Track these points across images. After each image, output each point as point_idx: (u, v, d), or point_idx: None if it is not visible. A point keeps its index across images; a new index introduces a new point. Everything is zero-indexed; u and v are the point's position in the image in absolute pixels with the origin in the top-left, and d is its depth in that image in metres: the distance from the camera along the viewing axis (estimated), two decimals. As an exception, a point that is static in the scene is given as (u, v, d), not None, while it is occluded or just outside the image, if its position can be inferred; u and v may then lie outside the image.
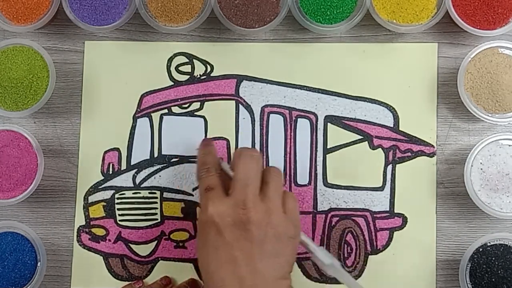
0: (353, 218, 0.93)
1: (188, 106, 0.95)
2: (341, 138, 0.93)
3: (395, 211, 0.93)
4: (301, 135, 0.94)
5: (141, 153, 0.94)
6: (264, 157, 0.93)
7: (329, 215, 0.93)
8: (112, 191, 0.94)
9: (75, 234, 0.94)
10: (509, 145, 0.89)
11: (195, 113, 0.94)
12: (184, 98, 0.95)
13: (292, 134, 0.94)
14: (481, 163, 0.89)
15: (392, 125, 0.93)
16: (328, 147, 0.93)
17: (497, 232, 0.91)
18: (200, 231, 0.78)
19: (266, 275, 0.75)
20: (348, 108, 0.94)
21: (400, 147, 0.93)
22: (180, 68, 0.95)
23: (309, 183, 0.93)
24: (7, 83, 0.92)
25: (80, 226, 0.94)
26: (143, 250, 0.94)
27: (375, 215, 0.93)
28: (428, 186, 0.92)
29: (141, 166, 0.94)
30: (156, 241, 0.93)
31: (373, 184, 0.93)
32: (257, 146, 0.93)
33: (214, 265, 0.75)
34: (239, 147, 0.94)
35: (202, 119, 0.94)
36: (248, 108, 0.94)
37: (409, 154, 0.93)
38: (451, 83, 0.93)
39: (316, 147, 0.94)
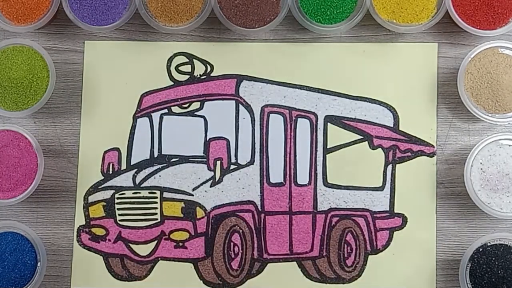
0: (353, 218, 0.93)
1: (188, 106, 0.95)
2: (341, 138, 0.93)
3: (395, 211, 0.93)
4: (301, 135, 0.94)
5: (141, 153, 0.94)
6: (264, 156, 0.93)
7: (329, 215, 0.93)
8: (112, 191, 0.94)
9: (75, 234, 0.94)
10: (509, 145, 0.89)
11: (195, 113, 0.94)
12: (184, 98, 0.95)
13: (292, 134, 0.94)
14: (481, 163, 0.89)
15: (392, 125, 0.93)
16: (328, 147, 0.93)
17: (497, 232, 0.91)
18: None
19: None
20: (348, 108, 0.94)
21: (400, 147, 0.93)
22: (180, 68, 0.95)
23: (309, 183, 0.93)
24: (7, 83, 0.91)
25: (80, 226, 0.94)
26: (143, 250, 0.94)
27: (375, 215, 0.93)
28: (428, 186, 0.92)
29: (141, 166, 0.94)
30: (156, 241, 0.93)
31: (373, 184, 0.93)
32: (257, 146, 0.93)
33: None
34: (239, 147, 0.94)
35: (202, 119, 0.94)
36: (248, 108, 0.94)
37: (409, 154, 0.93)
38: (451, 83, 0.93)
39: (316, 147, 0.93)
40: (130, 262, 0.93)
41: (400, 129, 0.93)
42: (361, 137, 0.93)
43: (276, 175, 0.93)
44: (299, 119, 0.94)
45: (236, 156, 0.93)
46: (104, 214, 0.94)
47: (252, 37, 0.95)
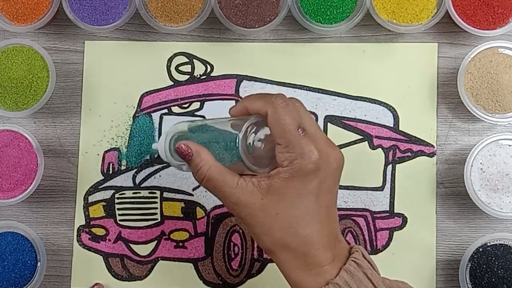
0: (353, 218, 0.93)
1: (188, 106, 0.95)
2: (341, 138, 0.93)
3: (395, 211, 0.93)
4: (301, 135, 0.93)
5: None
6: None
7: (329, 215, 0.92)
8: (112, 191, 0.94)
9: (75, 234, 0.94)
10: (509, 145, 0.89)
11: (195, 113, 0.94)
12: (184, 98, 0.95)
13: (292, 134, 0.93)
14: (481, 163, 0.89)
15: (392, 125, 0.93)
16: (328, 147, 0.93)
17: (497, 232, 0.91)
18: None
19: None
20: (348, 108, 0.94)
21: (400, 147, 0.93)
22: (180, 68, 0.95)
23: (309, 183, 0.93)
24: (7, 83, 0.92)
25: (80, 226, 0.94)
26: (143, 250, 0.94)
27: (375, 215, 0.93)
28: (428, 186, 0.92)
29: (141, 166, 0.94)
30: (156, 241, 0.93)
31: (373, 184, 0.93)
32: (257, 146, 0.93)
33: None
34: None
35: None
36: (248, 108, 0.94)
37: (409, 154, 0.93)
38: (451, 83, 0.93)
39: (316, 147, 0.93)
40: (130, 262, 0.93)
41: (400, 129, 0.93)
42: (361, 137, 0.93)
43: (276, 175, 0.93)
44: (299, 119, 0.93)
45: (236, 156, 0.93)
46: (104, 214, 0.94)
47: (252, 37, 0.95)
